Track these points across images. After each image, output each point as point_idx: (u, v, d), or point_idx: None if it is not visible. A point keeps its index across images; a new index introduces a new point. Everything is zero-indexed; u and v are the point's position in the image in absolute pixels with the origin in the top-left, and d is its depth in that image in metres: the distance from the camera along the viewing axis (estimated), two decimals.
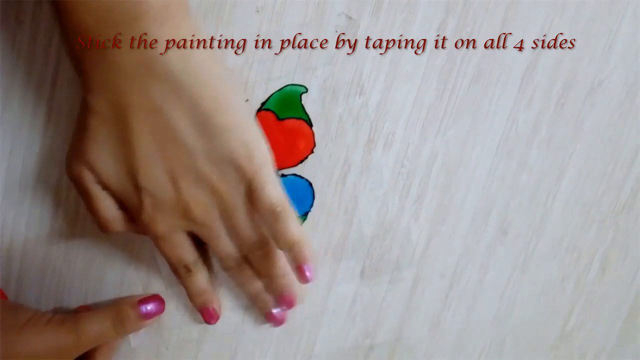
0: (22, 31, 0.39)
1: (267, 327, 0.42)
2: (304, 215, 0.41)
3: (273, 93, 0.40)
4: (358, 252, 0.42)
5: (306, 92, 0.40)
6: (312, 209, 0.41)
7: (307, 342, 0.43)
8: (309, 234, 0.41)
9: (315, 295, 0.42)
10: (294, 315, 0.42)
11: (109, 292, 0.42)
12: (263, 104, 0.40)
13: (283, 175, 0.41)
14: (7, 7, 0.38)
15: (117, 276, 0.42)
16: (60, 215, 0.41)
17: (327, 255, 0.42)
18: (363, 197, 0.41)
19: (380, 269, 0.42)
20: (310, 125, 0.40)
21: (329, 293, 0.42)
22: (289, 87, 0.40)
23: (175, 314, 0.42)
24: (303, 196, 0.41)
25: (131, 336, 0.41)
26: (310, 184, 0.41)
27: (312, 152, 0.40)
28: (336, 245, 0.42)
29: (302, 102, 0.40)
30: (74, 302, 0.42)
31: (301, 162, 0.41)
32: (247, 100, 0.39)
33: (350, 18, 0.38)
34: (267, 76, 0.39)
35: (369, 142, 0.40)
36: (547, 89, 0.40)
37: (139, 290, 0.42)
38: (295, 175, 0.41)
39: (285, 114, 0.40)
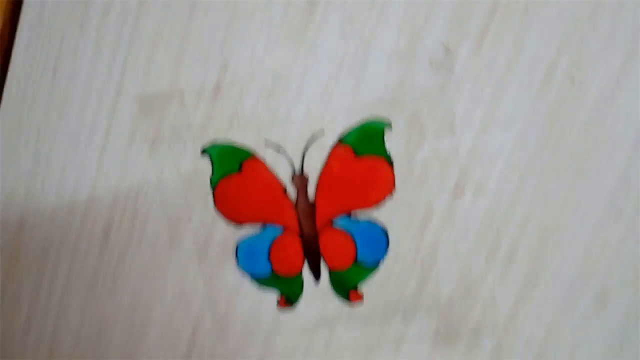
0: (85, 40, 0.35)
1: None
2: (375, 265, 0.37)
3: (353, 126, 0.36)
4: (433, 312, 0.37)
5: (390, 127, 0.35)
6: (386, 259, 0.37)
7: None
8: (380, 285, 0.37)
9: (379, 357, 0.38)
10: None
11: (156, 332, 0.37)
12: (340, 137, 0.36)
13: (356, 219, 0.37)
14: (70, 15, 0.34)
15: (166, 315, 0.38)
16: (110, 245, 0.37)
17: (398, 311, 0.37)
18: (444, 251, 0.37)
19: (457, 334, 0.37)
20: (391, 165, 0.36)
21: (395, 356, 0.38)
22: (371, 121, 0.36)
23: None
24: (376, 243, 0.37)
25: None
26: (386, 231, 0.37)
27: (390, 195, 0.36)
28: (409, 302, 0.37)
29: (385, 139, 0.36)
30: (117, 340, 0.37)
31: (377, 205, 0.36)
32: (323, 132, 0.35)
33: (448, 49, 0.33)
34: (348, 106, 0.35)
35: (456, 190, 0.36)
36: None
37: (187, 332, 0.37)
38: (369, 219, 0.37)
39: (364, 151, 0.36)
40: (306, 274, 0.38)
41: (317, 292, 0.38)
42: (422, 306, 0.37)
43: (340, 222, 0.37)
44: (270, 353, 0.39)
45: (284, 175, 0.37)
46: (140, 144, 0.37)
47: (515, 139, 0.35)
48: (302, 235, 0.37)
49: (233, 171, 0.37)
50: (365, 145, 0.36)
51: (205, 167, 0.37)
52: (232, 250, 0.38)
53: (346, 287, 0.38)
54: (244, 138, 0.36)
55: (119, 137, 0.37)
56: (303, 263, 0.38)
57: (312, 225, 0.37)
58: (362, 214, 0.37)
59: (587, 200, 0.36)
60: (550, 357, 0.37)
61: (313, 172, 0.37)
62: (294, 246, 0.38)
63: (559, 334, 0.37)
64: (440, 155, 0.36)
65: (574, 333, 0.37)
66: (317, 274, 0.38)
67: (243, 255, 0.38)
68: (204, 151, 0.37)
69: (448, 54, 0.34)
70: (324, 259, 0.38)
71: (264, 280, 0.39)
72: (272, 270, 0.38)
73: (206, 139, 0.37)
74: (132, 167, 0.37)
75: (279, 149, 0.37)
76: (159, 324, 0.39)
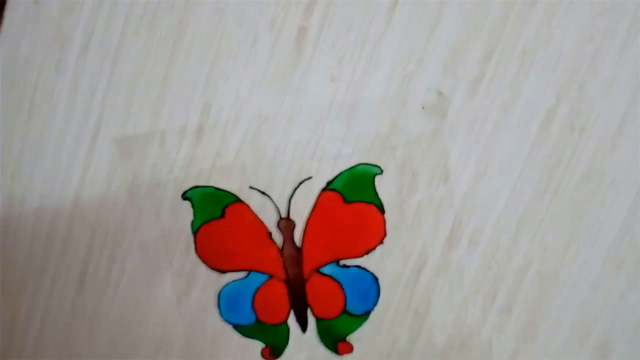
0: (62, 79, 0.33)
1: None
2: (365, 314, 0.36)
3: (342, 172, 0.34)
4: None
5: (381, 173, 0.34)
6: (376, 308, 0.35)
7: None
8: (370, 336, 0.35)
9: None
10: None
11: None
12: (329, 183, 0.34)
13: (345, 267, 0.35)
14: (47, 54, 0.32)
15: None
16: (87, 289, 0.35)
17: None
18: (438, 300, 0.35)
19: None
20: (382, 212, 0.34)
21: None
22: (361, 166, 0.34)
23: None
24: (366, 292, 0.35)
25: None
26: (376, 279, 0.35)
27: (381, 242, 0.35)
28: (401, 353, 0.36)
29: (375, 185, 0.34)
30: None
31: (367, 253, 0.35)
32: (311, 177, 0.33)
33: (442, 94, 0.32)
34: (336, 152, 0.34)
35: (451, 238, 0.34)
36: None
37: None
38: (359, 267, 0.35)
39: (353, 197, 0.34)
40: (292, 323, 0.36)
41: (303, 342, 0.36)
42: (415, 357, 0.36)
43: (328, 269, 0.35)
44: None
45: (270, 221, 0.35)
46: (118, 188, 0.35)
47: (512, 186, 0.34)
48: (288, 282, 0.36)
49: (215, 216, 0.35)
50: (355, 191, 0.34)
51: (186, 211, 0.35)
52: (214, 298, 0.36)
53: (334, 338, 0.36)
54: (227, 182, 0.35)
55: (96, 180, 0.35)
56: (289, 311, 0.36)
57: (298, 271, 0.35)
58: (352, 262, 0.35)
59: (588, 250, 0.34)
60: None
61: (300, 217, 0.35)
62: (280, 294, 0.36)
63: None
64: (434, 201, 0.34)
65: None
66: (303, 323, 0.36)
67: (226, 302, 0.36)
68: (184, 195, 0.35)
69: (441, 97, 0.32)
70: (311, 308, 0.36)
71: (247, 330, 0.37)
72: (257, 318, 0.36)
73: (188, 183, 0.35)
74: (109, 211, 0.35)
75: (264, 193, 0.35)
76: None
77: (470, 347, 0.35)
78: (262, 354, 0.37)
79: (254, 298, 0.36)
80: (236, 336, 0.36)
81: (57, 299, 0.36)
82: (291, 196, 0.34)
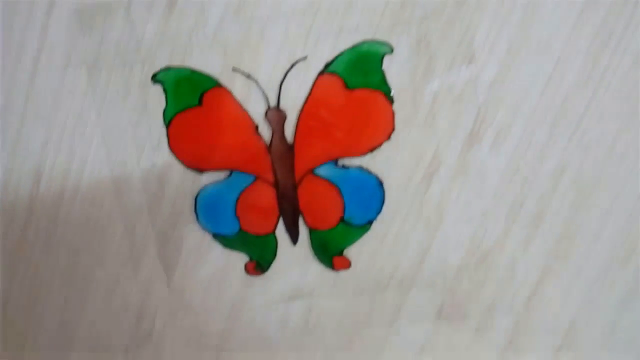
0: None
1: None
2: (367, 225, 0.32)
3: (343, 51, 0.30)
4: (437, 284, 0.32)
5: (391, 53, 0.30)
6: (380, 217, 0.32)
7: None
8: (371, 250, 0.32)
9: (368, 335, 0.33)
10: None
11: (98, 297, 0.34)
12: (328, 65, 0.30)
13: (344, 167, 0.31)
14: None
15: (110, 278, 0.34)
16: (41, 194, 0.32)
17: (393, 282, 0.32)
18: (453, 210, 0.31)
19: (466, 311, 0.33)
20: (391, 101, 0.30)
21: (388, 334, 0.33)
22: (366, 44, 0.30)
23: None
24: (369, 198, 0.32)
25: None
26: (381, 183, 0.31)
27: (388, 138, 0.31)
28: (407, 271, 0.32)
29: (384, 68, 0.30)
30: (53, 304, 0.34)
31: (372, 151, 0.31)
32: (306, 58, 0.30)
33: None
34: (337, 26, 0.29)
35: (472, 135, 0.30)
36: None
37: (136, 301, 0.34)
38: (361, 168, 0.31)
39: (357, 82, 0.30)
40: (281, 234, 0.32)
41: (293, 256, 0.33)
42: (423, 277, 0.32)
43: (324, 170, 0.31)
44: (237, 328, 0.34)
45: (256, 110, 0.31)
46: (77, 69, 0.31)
47: (550, 72, 0.30)
48: (276, 185, 0.32)
49: (192, 104, 0.31)
50: (359, 75, 0.30)
51: (157, 97, 0.31)
52: (190, 202, 0.32)
53: (330, 252, 0.33)
54: (206, 62, 0.30)
55: (52, 60, 0.31)
56: (277, 220, 0.32)
57: (289, 173, 0.32)
58: (352, 161, 0.31)
59: (637, 150, 0.30)
60: (579, 343, 0.33)
61: (292, 107, 0.31)
62: (267, 199, 0.32)
63: (591, 318, 0.32)
64: (454, 89, 0.30)
65: (609, 317, 0.32)
66: (294, 234, 0.32)
67: (204, 208, 0.32)
68: (155, 78, 0.31)
69: None
70: (303, 216, 0.32)
71: (229, 240, 0.33)
72: (240, 228, 0.32)
73: (158, 64, 0.30)
74: (67, 97, 0.31)
75: (249, 77, 0.30)
76: (102, 288, 0.34)
77: (489, 266, 0.32)
78: (246, 268, 0.33)
79: (236, 203, 0.32)
80: (217, 248, 0.33)
81: (13, 193, 0.33)
82: (282, 81, 0.30)
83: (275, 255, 0.33)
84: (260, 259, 0.33)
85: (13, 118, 0.32)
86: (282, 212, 0.32)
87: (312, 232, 0.32)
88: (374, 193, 0.32)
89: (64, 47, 0.31)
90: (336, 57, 0.30)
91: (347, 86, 0.30)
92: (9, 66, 0.31)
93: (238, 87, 0.30)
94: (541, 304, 0.32)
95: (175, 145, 0.32)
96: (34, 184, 0.32)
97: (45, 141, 0.32)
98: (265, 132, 0.31)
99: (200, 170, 0.32)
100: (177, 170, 0.32)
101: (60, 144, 0.32)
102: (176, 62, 0.30)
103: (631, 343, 0.33)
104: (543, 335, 0.33)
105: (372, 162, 0.31)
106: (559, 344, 0.33)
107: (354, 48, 0.30)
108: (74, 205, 0.32)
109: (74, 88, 0.31)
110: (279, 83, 0.30)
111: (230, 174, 0.32)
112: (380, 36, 0.30)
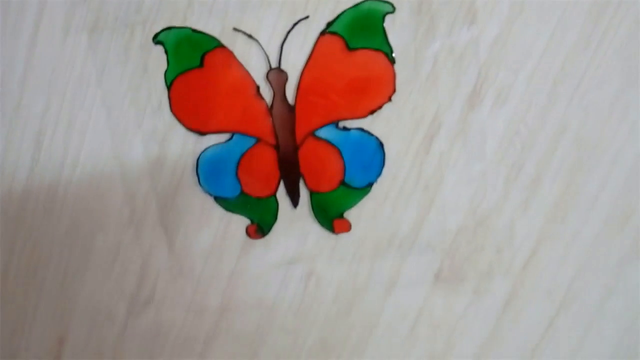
0: None
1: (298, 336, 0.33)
2: (367, 187, 0.32)
3: (345, 10, 0.29)
4: (435, 247, 0.32)
5: (393, 12, 0.29)
6: (380, 179, 0.31)
7: None
8: (371, 213, 0.31)
9: (367, 299, 0.32)
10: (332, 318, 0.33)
11: (99, 262, 0.33)
12: (329, 24, 0.29)
13: (345, 129, 0.30)
14: None
15: (110, 243, 0.34)
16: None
17: (392, 246, 0.32)
18: (452, 173, 0.31)
19: (464, 274, 0.33)
20: (392, 61, 0.30)
21: (386, 298, 0.32)
22: (368, 3, 0.29)
23: None
24: (369, 160, 0.31)
25: None
26: (381, 145, 0.31)
27: (389, 99, 0.30)
28: (406, 234, 0.32)
29: (385, 28, 0.29)
30: (53, 269, 0.32)
31: (372, 112, 0.30)
32: (307, 17, 0.29)
33: None
34: None
35: (473, 96, 0.30)
36: None
37: (137, 264, 0.33)
38: (362, 130, 0.31)
39: (358, 42, 0.30)
40: (281, 196, 0.32)
41: (294, 219, 0.32)
42: (422, 240, 0.32)
43: (325, 132, 0.31)
44: (237, 290, 0.34)
45: (257, 71, 0.30)
46: (77, 33, 0.30)
47: (551, 32, 0.29)
48: (277, 147, 0.31)
49: (193, 65, 0.30)
50: (360, 35, 0.30)
51: (158, 59, 0.30)
52: (191, 165, 0.32)
53: (330, 214, 0.32)
54: (207, 23, 0.30)
55: (52, 26, 0.31)
56: (278, 182, 0.32)
57: (290, 135, 0.31)
58: (353, 123, 0.31)
59: (635, 111, 0.30)
60: (577, 306, 0.33)
61: (293, 68, 0.30)
62: (268, 161, 0.32)
63: (588, 281, 0.32)
64: (455, 50, 0.29)
65: (607, 280, 0.32)
66: (294, 197, 0.32)
67: (205, 170, 0.32)
68: (156, 39, 0.30)
69: None
70: (304, 178, 0.32)
71: (230, 203, 0.33)
72: (241, 190, 0.32)
73: (159, 25, 0.30)
74: (67, 62, 0.31)
75: (250, 37, 0.30)
76: (103, 254, 0.33)
77: (487, 229, 0.32)
78: (247, 231, 0.33)
79: (238, 166, 0.32)
80: (218, 210, 0.32)
81: (14, 161, 0.32)
82: (283, 41, 0.30)
83: (276, 218, 0.33)
84: (261, 222, 0.33)
85: (13, 86, 0.31)
86: (283, 175, 0.32)
87: (312, 194, 0.32)
88: (374, 155, 0.31)
89: (63, 13, 0.30)
90: (337, 17, 0.30)
91: (349, 47, 0.30)
92: (8, 34, 0.31)
93: (239, 48, 0.30)
94: (539, 268, 0.32)
95: (176, 107, 0.31)
96: (35, 151, 0.32)
97: (45, 108, 0.32)
98: (267, 93, 0.31)
99: (201, 132, 0.31)
100: (178, 133, 0.31)
101: (60, 111, 0.32)
102: (177, 23, 0.30)
103: (628, 306, 0.32)
104: (541, 298, 0.32)
105: (373, 124, 0.31)
106: (556, 307, 0.32)
107: (355, 7, 0.30)
108: (74, 171, 0.32)
109: (74, 54, 0.31)
110: (280, 43, 0.30)
111: (232, 136, 0.31)
112: None
